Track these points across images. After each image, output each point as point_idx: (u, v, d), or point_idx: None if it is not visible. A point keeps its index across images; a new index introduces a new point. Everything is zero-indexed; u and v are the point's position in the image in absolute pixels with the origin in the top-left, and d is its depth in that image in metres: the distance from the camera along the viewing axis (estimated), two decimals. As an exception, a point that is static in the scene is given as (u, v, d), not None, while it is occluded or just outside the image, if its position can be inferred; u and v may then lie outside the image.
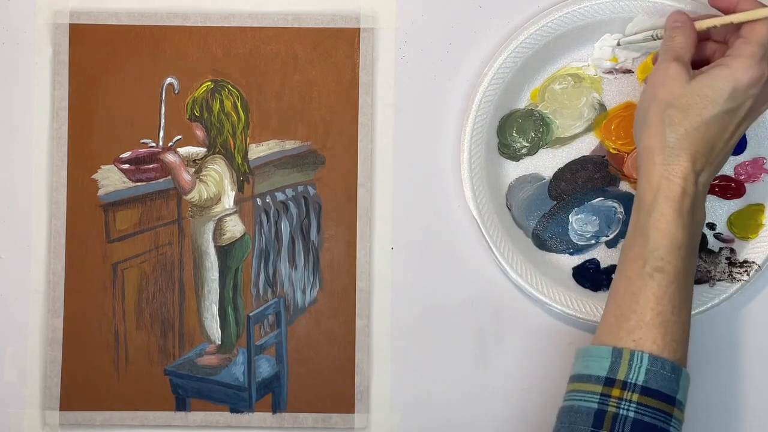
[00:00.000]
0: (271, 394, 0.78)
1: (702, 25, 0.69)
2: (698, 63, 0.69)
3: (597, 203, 0.78)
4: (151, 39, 0.77)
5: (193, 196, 0.78)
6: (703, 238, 0.77)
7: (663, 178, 0.65)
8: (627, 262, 0.66)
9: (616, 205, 0.78)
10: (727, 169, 0.77)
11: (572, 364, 0.68)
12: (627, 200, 0.78)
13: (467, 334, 0.78)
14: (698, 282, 0.77)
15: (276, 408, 0.78)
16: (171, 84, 0.77)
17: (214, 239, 0.78)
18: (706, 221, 0.77)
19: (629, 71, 0.78)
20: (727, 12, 0.69)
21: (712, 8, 0.73)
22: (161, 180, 0.77)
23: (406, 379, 0.78)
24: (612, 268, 0.78)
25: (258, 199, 0.78)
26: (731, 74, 0.65)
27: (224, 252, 0.78)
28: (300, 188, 0.78)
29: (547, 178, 0.78)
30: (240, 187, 0.78)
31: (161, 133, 0.77)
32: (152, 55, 0.77)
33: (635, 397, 0.63)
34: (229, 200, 0.78)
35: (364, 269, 0.77)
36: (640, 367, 0.63)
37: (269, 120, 0.77)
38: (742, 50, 0.65)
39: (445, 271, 0.78)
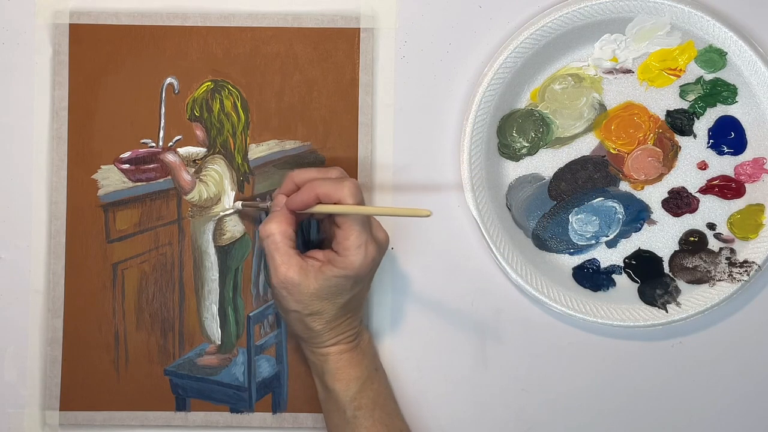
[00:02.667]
0: (271, 394, 0.78)
1: (293, 208, 0.69)
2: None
3: (597, 203, 0.78)
4: (151, 39, 0.77)
5: (193, 196, 0.78)
6: (703, 238, 0.78)
7: (322, 355, 0.72)
8: (330, 416, 0.73)
9: (616, 205, 0.78)
10: (727, 169, 0.77)
11: None
12: (627, 200, 0.78)
13: (467, 334, 0.78)
14: (698, 282, 0.77)
15: (276, 408, 0.78)
16: (171, 84, 0.77)
17: (214, 239, 0.78)
18: (707, 221, 0.78)
19: (629, 71, 0.78)
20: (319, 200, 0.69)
21: (710, 11, 0.73)
22: (161, 180, 0.77)
23: (406, 379, 0.78)
24: (612, 268, 0.78)
25: (258, 199, 0.78)
26: (345, 270, 0.68)
27: (224, 252, 0.78)
28: (300, 188, 0.77)
29: (547, 178, 0.78)
30: (240, 187, 0.78)
31: (161, 133, 0.77)
32: (152, 55, 0.77)
33: None
34: (229, 200, 0.78)
35: (364, 269, 0.77)
36: None
37: (269, 120, 0.77)
38: (347, 243, 0.68)
39: (445, 271, 0.78)
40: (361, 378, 0.72)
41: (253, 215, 0.77)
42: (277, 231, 0.69)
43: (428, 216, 0.66)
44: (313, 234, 0.77)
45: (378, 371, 0.74)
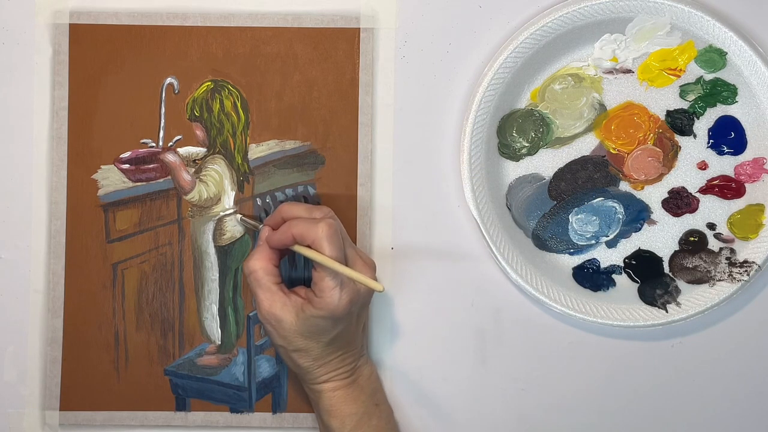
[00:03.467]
0: (271, 394, 0.78)
1: (273, 245, 0.70)
2: None
3: (597, 203, 0.78)
4: (151, 39, 0.77)
5: (193, 196, 0.78)
6: (703, 238, 0.78)
7: (316, 392, 0.72)
8: None
9: (616, 205, 0.78)
10: (727, 169, 0.77)
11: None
12: (627, 200, 0.78)
13: (467, 334, 0.78)
14: (698, 282, 0.77)
15: (276, 408, 0.78)
16: (171, 84, 0.77)
17: (214, 239, 0.78)
18: (707, 221, 0.78)
19: (629, 71, 0.78)
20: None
21: (712, 12, 0.73)
22: (161, 180, 0.77)
23: (406, 379, 0.78)
24: (612, 268, 0.78)
25: (258, 199, 0.78)
26: (321, 311, 0.68)
27: (224, 252, 0.78)
28: (300, 188, 0.78)
29: (547, 178, 0.78)
30: (240, 187, 0.78)
31: (161, 133, 0.77)
32: (152, 55, 0.77)
33: None
34: (229, 200, 0.78)
35: (364, 269, 0.77)
36: None
37: (269, 120, 0.77)
38: (321, 284, 0.67)
39: (445, 271, 0.78)
40: (357, 414, 0.72)
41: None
42: (258, 267, 0.70)
43: (381, 291, 0.66)
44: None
45: (379, 406, 0.74)
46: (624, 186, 0.78)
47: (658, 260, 0.78)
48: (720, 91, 0.77)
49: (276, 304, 0.69)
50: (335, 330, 0.69)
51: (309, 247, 0.68)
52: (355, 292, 0.68)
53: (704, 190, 0.78)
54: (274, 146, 0.78)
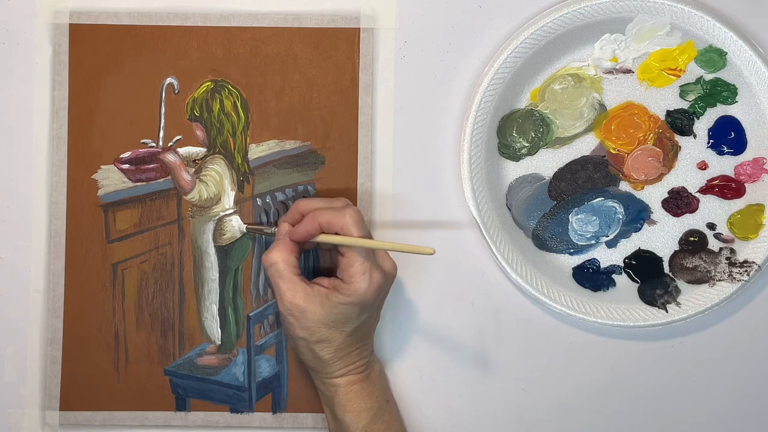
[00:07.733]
0: (271, 394, 0.78)
1: (296, 237, 0.70)
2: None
3: (597, 203, 0.78)
4: (151, 39, 0.77)
5: (193, 196, 0.78)
6: (703, 238, 0.78)
7: (332, 386, 0.71)
8: None
9: (616, 205, 0.78)
10: (727, 169, 0.77)
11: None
12: (627, 200, 0.78)
13: (467, 334, 0.78)
14: (698, 282, 0.77)
15: (276, 408, 0.78)
16: (171, 84, 0.77)
17: (214, 239, 0.78)
18: (707, 221, 0.78)
19: (629, 71, 0.78)
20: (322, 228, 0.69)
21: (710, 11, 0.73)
22: (161, 180, 0.77)
23: (406, 379, 0.78)
24: (612, 268, 0.78)
25: (258, 199, 0.78)
26: (350, 297, 0.68)
27: (224, 252, 0.78)
28: (300, 188, 0.78)
29: (547, 178, 0.78)
30: (240, 187, 0.78)
31: (161, 133, 0.77)
32: (152, 55, 0.77)
33: None
34: (229, 200, 0.78)
35: (364, 269, 0.77)
36: None
37: (269, 120, 0.77)
38: (351, 270, 0.68)
39: (445, 271, 0.78)
40: (372, 409, 0.72)
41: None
42: (279, 259, 0.69)
43: (431, 254, 0.66)
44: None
45: (389, 403, 0.74)
46: (624, 186, 0.78)
47: (658, 260, 0.78)
48: (720, 91, 0.77)
49: (299, 295, 0.69)
50: (360, 319, 0.69)
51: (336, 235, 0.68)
52: (382, 277, 0.69)
53: (704, 190, 0.78)
54: (274, 146, 0.78)
